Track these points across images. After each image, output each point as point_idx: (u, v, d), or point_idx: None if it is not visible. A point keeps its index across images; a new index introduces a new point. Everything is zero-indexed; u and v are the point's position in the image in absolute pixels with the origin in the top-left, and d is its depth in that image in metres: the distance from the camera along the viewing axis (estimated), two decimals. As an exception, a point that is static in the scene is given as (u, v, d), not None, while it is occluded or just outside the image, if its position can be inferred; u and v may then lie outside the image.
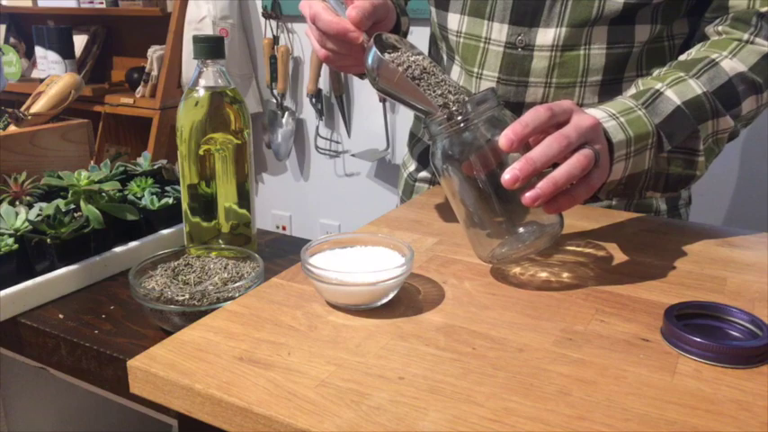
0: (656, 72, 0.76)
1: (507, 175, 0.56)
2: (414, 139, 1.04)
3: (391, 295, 0.59)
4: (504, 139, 0.56)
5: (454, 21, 0.84)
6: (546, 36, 0.78)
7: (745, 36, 0.74)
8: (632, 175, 0.68)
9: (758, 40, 0.73)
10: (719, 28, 0.76)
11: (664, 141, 0.68)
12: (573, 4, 0.76)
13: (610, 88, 0.81)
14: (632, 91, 0.72)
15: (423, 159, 1.01)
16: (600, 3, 0.75)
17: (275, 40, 2.31)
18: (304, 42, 2.31)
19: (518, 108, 0.82)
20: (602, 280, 0.64)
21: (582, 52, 0.78)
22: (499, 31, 0.80)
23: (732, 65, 0.72)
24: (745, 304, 0.58)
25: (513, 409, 0.44)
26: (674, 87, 0.70)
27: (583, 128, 0.59)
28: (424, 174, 1.00)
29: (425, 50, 0.98)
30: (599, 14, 0.75)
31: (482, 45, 0.82)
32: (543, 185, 0.57)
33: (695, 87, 0.70)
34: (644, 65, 0.81)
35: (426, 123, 0.61)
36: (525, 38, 0.78)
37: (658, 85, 0.70)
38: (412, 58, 0.63)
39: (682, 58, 0.76)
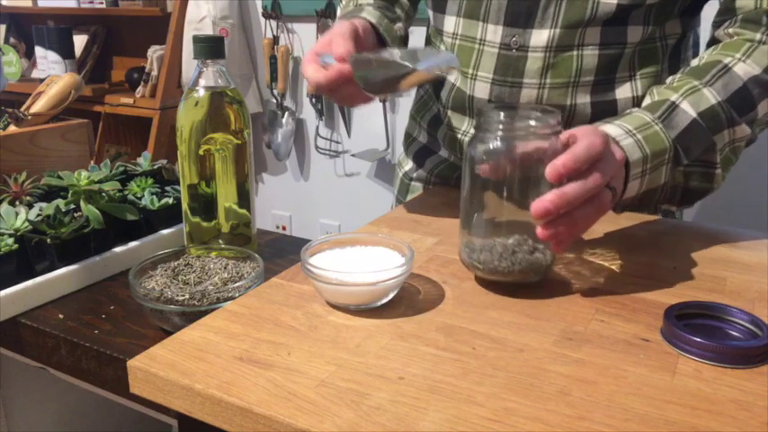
0: (669, 79, 0.75)
1: (539, 207, 0.55)
2: (409, 138, 1.04)
3: (391, 295, 0.59)
4: (554, 171, 0.55)
5: (450, 23, 0.84)
6: (540, 37, 0.78)
7: (758, 36, 0.72)
8: (648, 191, 0.67)
9: None
10: (730, 30, 0.75)
11: (681, 155, 0.67)
12: (567, 6, 0.76)
13: (602, 88, 0.80)
14: (647, 101, 0.71)
15: (418, 159, 1.01)
16: (593, 4, 0.75)
17: (275, 40, 2.30)
18: (304, 42, 2.31)
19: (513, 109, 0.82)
20: (603, 280, 0.64)
21: (575, 53, 0.78)
22: (494, 33, 0.80)
23: (746, 68, 0.70)
24: (745, 304, 0.58)
25: (513, 409, 0.44)
26: (689, 98, 0.69)
27: (614, 167, 0.59)
28: (419, 173, 1.00)
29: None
30: (592, 15, 0.75)
31: (477, 46, 0.82)
32: (566, 226, 0.56)
33: (709, 97, 0.69)
34: (636, 65, 0.81)
35: (483, 113, 0.60)
36: (520, 39, 0.78)
37: (674, 97, 0.69)
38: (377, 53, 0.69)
39: (694, 63, 0.74)
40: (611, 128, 0.65)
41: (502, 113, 0.59)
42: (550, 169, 0.55)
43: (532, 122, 0.58)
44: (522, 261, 0.59)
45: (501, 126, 0.59)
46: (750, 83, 0.70)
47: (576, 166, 0.55)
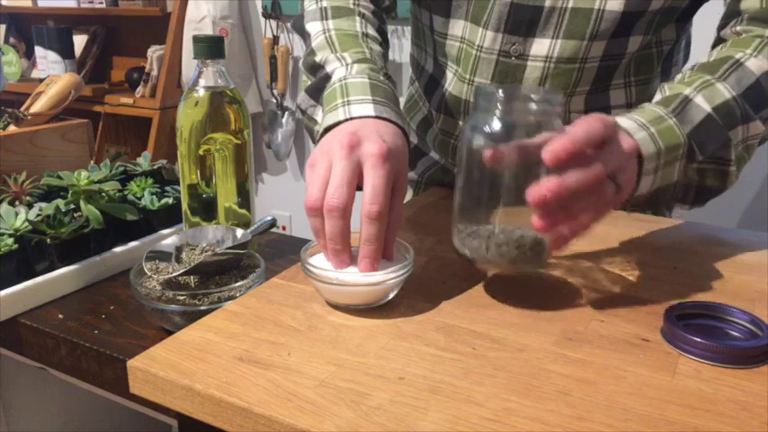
0: (678, 76, 0.72)
1: (536, 193, 0.51)
2: None
3: (391, 295, 0.59)
4: (551, 154, 0.50)
5: (458, 27, 0.83)
6: (541, 46, 0.77)
7: (767, 32, 0.70)
8: (660, 189, 0.64)
9: None
10: (737, 28, 0.73)
11: (695, 151, 0.64)
12: (570, 16, 0.74)
13: (597, 96, 0.80)
14: (658, 96, 0.69)
15: (410, 160, 1.00)
16: (597, 14, 0.73)
17: (275, 40, 2.31)
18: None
19: None
20: (603, 280, 0.64)
21: (576, 66, 0.77)
22: (492, 40, 0.79)
23: (758, 63, 0.68)
24: (745, 304, 0.58)
25: (513, 409, 0.44)
26: (703, 92, 0.66)
27: (619, 158, 0.56)
28: (410, 175, 0.99)
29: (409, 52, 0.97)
30: (596, 26, 0.74)
31: (474, 52, 0.81)
32: (565, 219, 0.53)
33: (724, 91, 0.66)
34: (632, 72, 0.80)
35: (479, 92, 0.56)
36: (520, 47, 0.77)
37: (687, 91, 0.66)
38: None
39: (703, 59, 0.72)
40: (623, 120, 0.62)
41: (501, 90, 0.55)
42: (548, 153, 0.51)
43: (533, 106, 0.54)
44: (512, 251, 0.55)
45: (501, 106, 0.54)
46: (763, 78, 0.68)
47: (574, 149, 0.51)
